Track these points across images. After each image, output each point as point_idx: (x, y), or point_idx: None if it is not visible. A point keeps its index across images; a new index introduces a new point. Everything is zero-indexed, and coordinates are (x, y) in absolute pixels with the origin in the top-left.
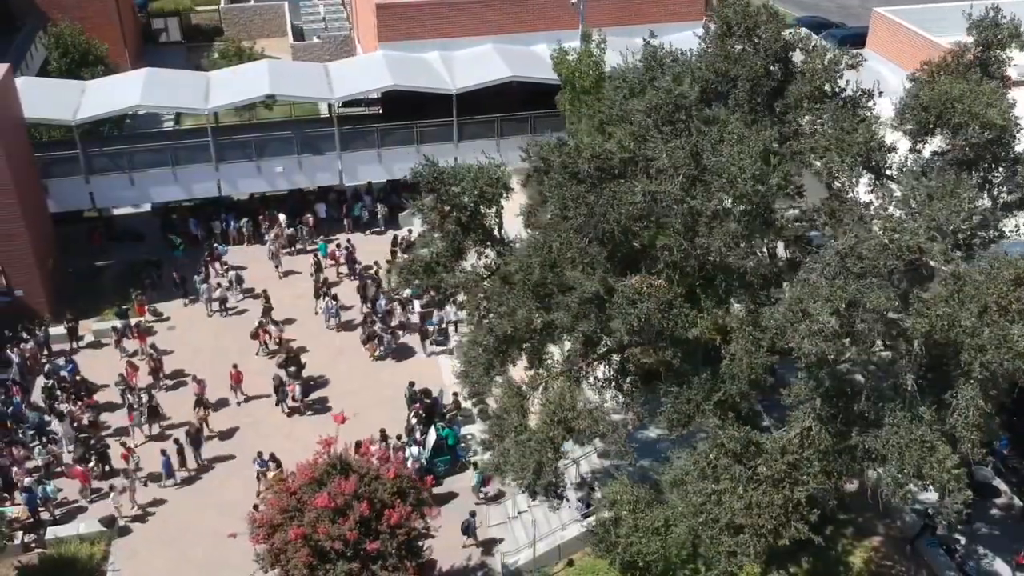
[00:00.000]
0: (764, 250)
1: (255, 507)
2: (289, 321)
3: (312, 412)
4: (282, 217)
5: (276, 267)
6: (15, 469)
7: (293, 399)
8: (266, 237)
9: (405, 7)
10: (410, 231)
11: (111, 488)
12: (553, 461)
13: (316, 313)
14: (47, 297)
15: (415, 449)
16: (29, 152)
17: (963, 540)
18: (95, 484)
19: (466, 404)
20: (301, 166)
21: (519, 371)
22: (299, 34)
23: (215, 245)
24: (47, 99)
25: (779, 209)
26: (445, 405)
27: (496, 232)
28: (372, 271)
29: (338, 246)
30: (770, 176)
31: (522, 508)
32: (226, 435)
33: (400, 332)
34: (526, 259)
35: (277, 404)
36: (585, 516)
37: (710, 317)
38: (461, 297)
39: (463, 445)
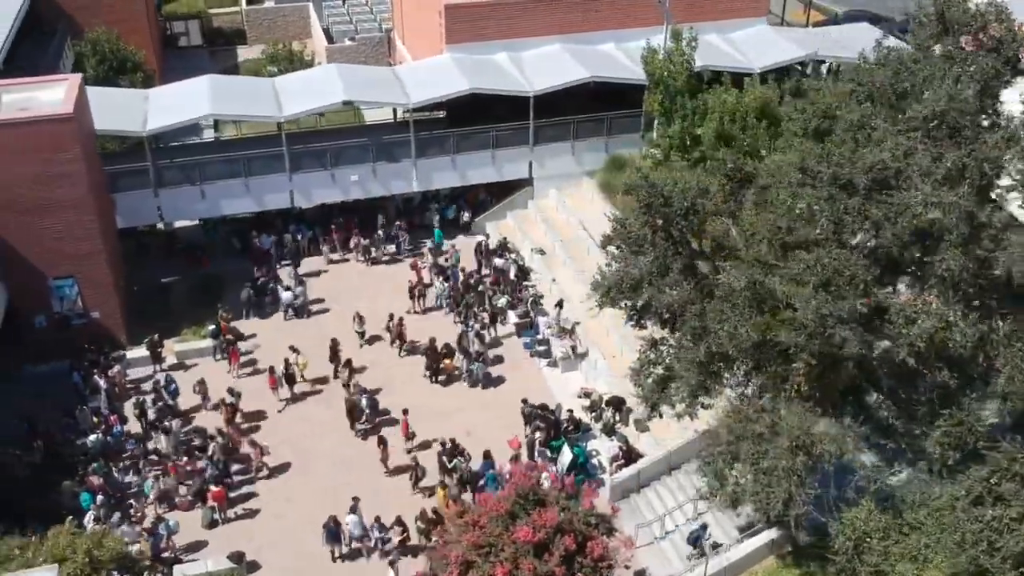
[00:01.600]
0: None
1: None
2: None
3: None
4: (380, 219)
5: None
6: (133, 502)
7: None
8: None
9: (473, 8)
10: (487, 237)
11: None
12: (802, 490)
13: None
14: (123, 318)
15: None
16: (101, 166)
17: None
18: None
19: (585, 419)
20: (375, 174)
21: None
22: (327, 36)
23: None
24: (114, 110)
25: None
26: (563, 421)
27: (699, 246)
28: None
29: (420, 256)
30: None
31: (669, 528)
32: (337, 462)
33: (489, 357)
34: (792, 278)
35: (353, 427)
36: (748, 535)
37: (977, 333)
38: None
39: (593, 462)
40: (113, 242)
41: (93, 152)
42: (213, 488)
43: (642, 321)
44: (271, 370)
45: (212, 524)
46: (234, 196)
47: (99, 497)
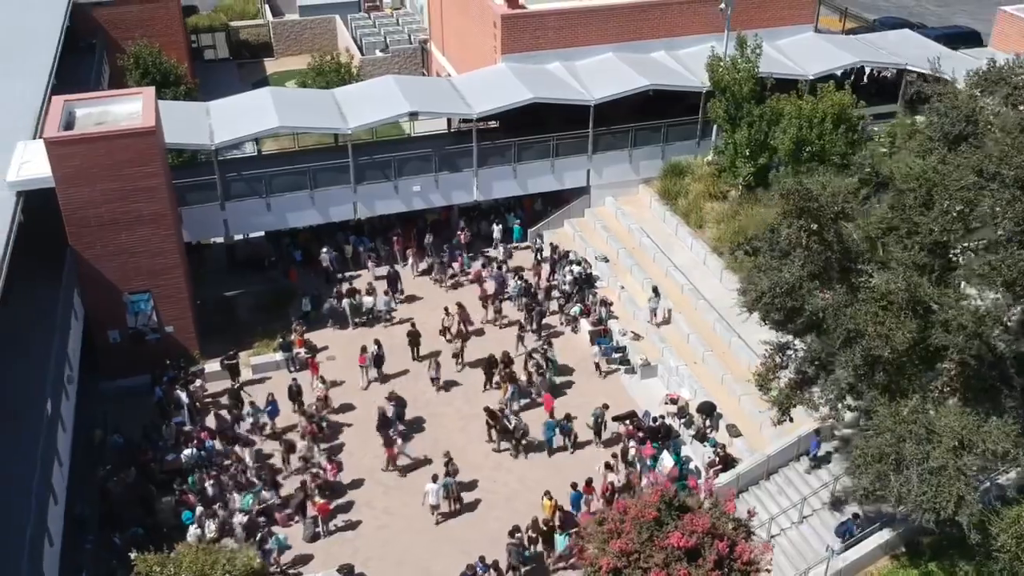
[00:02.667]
0: None
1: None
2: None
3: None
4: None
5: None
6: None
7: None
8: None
9: (530, 17)
10: (552, 246)
11: None
12: (971, 490)
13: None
14: (196, 333)
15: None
16: (172, 180)
17: None
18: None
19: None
20: (438, 184)
21: None
22: (358, 48)
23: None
24: (180, 123)
25: None
26: (654, 427)
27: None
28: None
29: (484, 264)
30: None
31: (774, 532)
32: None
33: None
34: (981, 276)
35: (385, 441)
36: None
37: None
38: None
39: (690, 467)
40: (185, 256)
41: (167, 166)
42: (318, 500)
43: (789, 326)
44: (363, 349)
45: (314, 538)
46: (299, 208)
47: (199, 508)
